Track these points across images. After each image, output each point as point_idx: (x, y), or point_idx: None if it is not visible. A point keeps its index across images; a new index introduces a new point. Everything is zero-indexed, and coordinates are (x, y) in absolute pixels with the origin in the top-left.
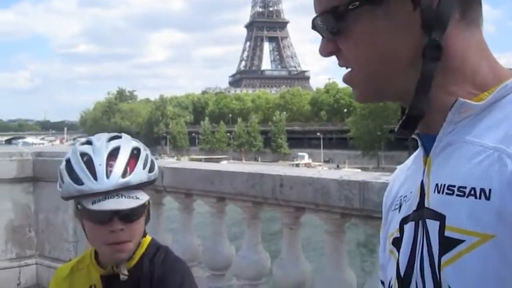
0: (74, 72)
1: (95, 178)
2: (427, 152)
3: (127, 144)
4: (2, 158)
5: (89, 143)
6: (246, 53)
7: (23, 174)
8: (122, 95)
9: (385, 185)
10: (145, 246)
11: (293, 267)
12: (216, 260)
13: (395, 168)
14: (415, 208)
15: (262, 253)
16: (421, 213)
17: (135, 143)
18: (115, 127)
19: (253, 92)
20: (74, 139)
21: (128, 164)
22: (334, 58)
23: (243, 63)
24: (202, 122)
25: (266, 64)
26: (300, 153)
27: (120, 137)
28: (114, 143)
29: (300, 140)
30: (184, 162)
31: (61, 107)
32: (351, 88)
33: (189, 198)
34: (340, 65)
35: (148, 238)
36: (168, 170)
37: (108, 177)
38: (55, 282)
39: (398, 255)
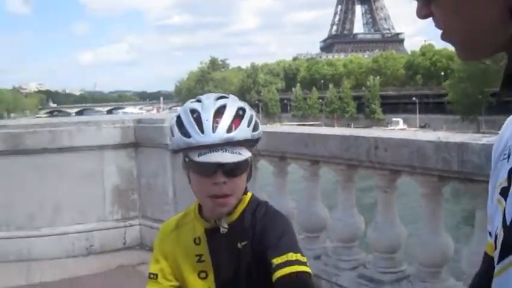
0: (169, 43)
1: (202, 132)
2: None
3: (233, 103)
4: (106, 125)
5: (199, 101)
6: (337, 17)
7: (126, 140)
8: (214, 64)
9: (485, 147)
10: (246, 201)
11: (388, 231)
12: (311, 222)
13: (497, 134)
14: None
15: (356, 216)
16: None
17: (241, 103)
18: None
19: (345, 57)
20: (170, 108)
21: (233, 121)
22: (429, 19)
23: (335, 27)
24: (294, 88)
25: (358, 27)
26: (394, 119)
27: (227, 97)
28: (221, 102)
29: (394, 105)
30: (278, 126)
31: (157, 78)
32: (448, 50)
33: (283, 162)
34: (437, 26)
35: (249, 194)
36: (262, 133)
37: (214, 131)
38: (161, 237)
39: (506, 204)
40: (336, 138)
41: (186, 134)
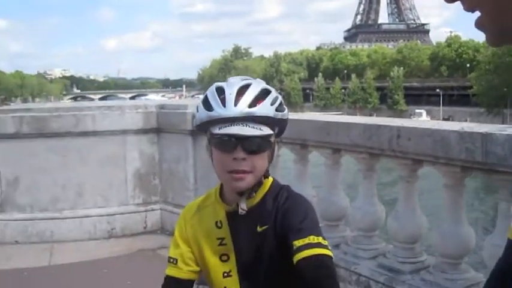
0: (192, 31)
1: (224, 105)
2: None
3: (259, 83)
4: (129, 111)
5: (226, 80)
6: (362, 7)
7: (148, 126)
8: (237, 52)
9: (510, 137)
10: (268, 186)
11: (409, 220)
12: (331, 210)
13: None
14: None
15: (377, 205)
16: None
17: (267, 86)
18: None
19: (369, 47)
20: (192, 96)
21: (256, 97)
22: (456, 10)
23: (359, 17)
24: (316, 78)
25: (383, 17)
26: (417, 110)
27: (253, 79)
28: (246, 81)
29: (418, 97)
30: (300, 114)
31: (180, 65)
32: (474, 41)
33: (305, 149)
34: (465, 9)
35: (270, 179)
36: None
37: (235, 105)
38: (182, 221)
39: None
40: (358, 127)
41: (209, 107)
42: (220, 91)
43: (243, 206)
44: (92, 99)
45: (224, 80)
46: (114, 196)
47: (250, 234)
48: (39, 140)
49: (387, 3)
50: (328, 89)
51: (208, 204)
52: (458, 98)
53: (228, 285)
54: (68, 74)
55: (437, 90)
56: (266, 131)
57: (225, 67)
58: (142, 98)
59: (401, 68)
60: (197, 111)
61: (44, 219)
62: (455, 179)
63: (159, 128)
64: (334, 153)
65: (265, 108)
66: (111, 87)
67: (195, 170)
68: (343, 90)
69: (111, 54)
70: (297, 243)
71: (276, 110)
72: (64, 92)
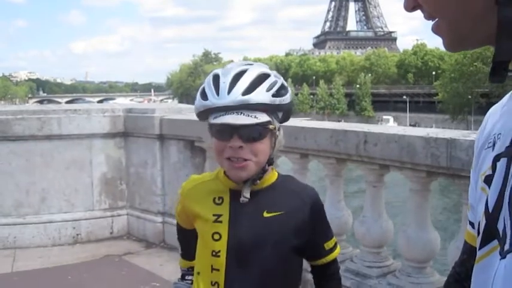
0: (161, 35)
1: (217, 94)
2: None
3: (256, 68)
4: (96, 114)
5: (225, 67)
6: (330, 14)
7: (115, 130)
8: (207, 57)
9: (474, 143)
10: (275, 177)
11: (375, 225)
12: None
13: None
14: (508, 144)
15: (344, 210)
16: None
17: (267, 70)
18: None
19: (338, 54)
20: (161, 100)
21: (251, 84)
22: (422, 19)
23: (328, 24)
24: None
25: (351, 25)
26: (384, 117)
27: (252, 64)
28: (243, 67)
29: (385, 103)
30: None
31: (148, 69)
32: (440, 50)
33: None
34: (426, 18)
35: (276, 173)
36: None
37: (228, 93)
38: (182, 190)
39: (489, 191)
40: (325, 132)
41: (204, 96)
42: (216, 79)
43: (246, 194)
44: (59, 103)
45: (194, 84)
46: (80, 201)
47: (254, 218)
48: (2, 143)
49: (355, 11)
50: (296, 94)
51: (209, 180)
52: (424, 105)
53: (214, 264)
54: (34, 77)
55: (404, 97)
56: (262, 118)
57: (195, 72)
58: (110, 101)
59: (369, 74)
60: (196, 99)
61: (7, 225)
62: (421, 183)
63: (126, 132)
64: (302, 158)
65: (261, 95)
66: (79, 90)
67: (162, 174)
68: (312, 96)
69: (79, 57)
70: (327, 245)
71: (273, 95)
72: (30, 95)
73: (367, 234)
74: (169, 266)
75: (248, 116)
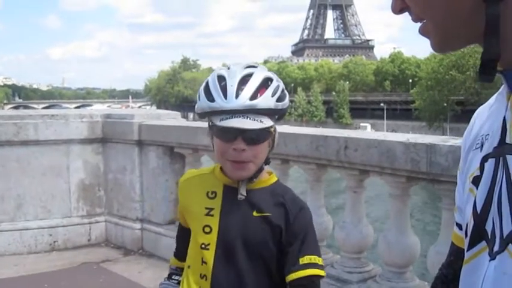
0: (140, 42)
1: (225, 97)
2: (511, 88)
3: (260, 72)
4: (73, 120)
5: (228, 68)
6: (309, 22)
7: (93, 135)
8: (185, 64)
9: (453, 148)
10: (272, 181)
11: (355, 231)
12: None
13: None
14: (495, 145)
15: (324, 215)
16: (502, 149)
17: (270, 74)
18: (178, 95)
19: (316, 62)
20: (139, 107)
21: (257, 89)
22: (399, 27)
23: (306, 31)
24: None
25: (329, 33)
26: (362, 124)
27: (256, 67)
28: (248, 70)
29: (362, 111)
30: None
31: (126, 76)
32: (416, 58)
33: None
34: (413, 20)
35: (275, 177)
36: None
37: (237, 97)
38: (180, 183)
39: (477, 192)
40: (306, 138)
41: (211, 98)
42: (222, 80)
43: (243, 192)
44: (35, 109)
45: (172, 91)
46: (57, 208)
47: (243, 215)
48: None
49: (333, 19)
50: None
51: (205, 173)
52: (401, 113)
53: (203, 257)
54: (9, 83)
55: (381, 104)
56: (267, 122)
57: (173, 78)
58: (88, 108)
59: (347, 82)
60: (198, 98)
61: None
62: (401, 189)
63: (104, 137)
64: (283, 163)
65: (267, 100)
66: (55, 96)
67: (141, 181)
68: (290, 103)
69: (56, 63)
70: (303, 260)
71: (277, 100)
72: (5, 101)
73: (347, 239)
74: (147, 273)
75: (254, 120)
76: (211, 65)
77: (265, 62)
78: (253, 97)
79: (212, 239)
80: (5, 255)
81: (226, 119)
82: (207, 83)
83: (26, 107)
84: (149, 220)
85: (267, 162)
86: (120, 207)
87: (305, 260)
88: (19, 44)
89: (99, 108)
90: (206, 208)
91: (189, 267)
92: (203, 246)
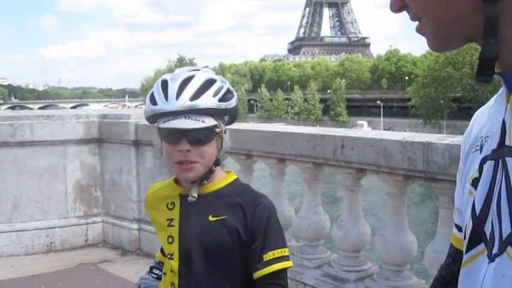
0: (136, 41)
1: (166, 99)
2: (510, 90)
3: (203, 74)
4: (70, 120)
5: (172, 72)
6: (305, 20)
7: (89, 136)
8: (181, 63)
9: (449, 147)
10: (229, 180)
11: (353, 230)
12: None
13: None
14: (495, 147)
15: (322, 214)
16: (501, 151)
17: (213, 75)
18: None
19: (313, 60)
20: (136, 106)
21: (198, 89)
22: (396, 25)
23: (302, 30)
24: (259, 89)
25: (325, 31)
26: (359, 122)
27: (199, 69)
28: (191, 73)
29: (359, 108)
30: (245, 124)
31: (123, 75)
32: (412, 55)
33: (250, 159)
34: (412, 19)
35: (234, 175)
36: (228, 131)
37: (177, 99)
38: (145, 199)
39: (475, 194)
40: (302, 137)
41: (153, 101)
42: (164, 84)
43: (194, 194)
44: (31, 109)
45: None
46: (54, 208)
47: (199, 221)
48: None
49: (330, 17)
50: (271, 100)
51: (165, 186)
52: (397, 110)
53: (171, 266)
54: (5, 83)
55: (378, 102)
56: (209, 122)
57: None
58: (84, 108)
59: (343, 80)
60: (145, 104)
61: None
62: (398, 187)
63: (101, 138)
64: (279, 163)
65: (207, 100)
66: (52, 96)
67: (138, 181)
68: (287, 102)
69: (52, 63)
70: (266, 257)
71: (220, 100)
72: (1, 101)
73: (345, 238)
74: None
75: (196, 120)
76: (207, 63)
77: (262, 60)
78: (194, 97)
79: (175, 248)
80: (1, 256)
81: (168, 120)
82: (152, 89)
83: (22, 107)
84: (146, 220)
85: (216, 163)
86: (117, 207)
87: (268, 256)
88: (15, 44)
89: (95, 108)
90: (167, 219)
91: (165, 274)
92: (169, 256)
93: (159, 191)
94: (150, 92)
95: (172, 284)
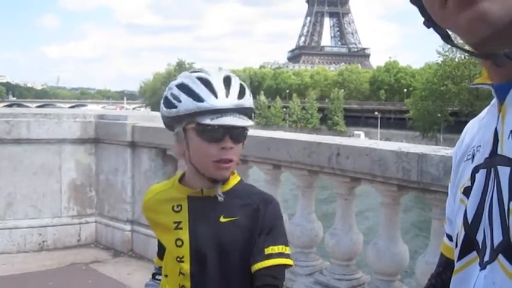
0: (136, 43)
1: (216, 96)
2: (501, 100)
3: (234, 75)
4: (67, 119)
5: (201, 71)
6: (306, 29)
7: (86, 136)
8: (181, 67)
9: (444, 158)
10: (236, 181)
11: (346, 238)
12: None
13: None
14: (487, 156)
15: (315, 222)
16: (493, 160)
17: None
18: None
19: (312, 68)
20: (134, 108)
21: (241, 89)
22: (395, 36)
23: (303, 38)
24: (258, 96)
25: (326, 40)
26: (356, 132)
27: (222, 69)
28: (225, 72)
29: (356, 119)
30: None
31: (122, 77)
32: (411, 68)
33: (245, 165)
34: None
35: (238, 177)
36: None
37: (227, 96)
38: (143, 203)
39: (467, 202)
40: (298, 144)
41: (199, 98)
42: (205, 81)
43: (220, 192)
44: (29, 108)
45: None
46: (47, 207)
47: (211, 222)
48: None
49: (330, 27)
50: (269, 107)
51: (167, 188)
52: (395, 122)
53: (181, 269)
54: (3, 81)
55: (376, 113)
56: (249, 121)
57: (168, 81)
58: (82, 108)
59: (342, 90)
60: (176, 100)
61: None
62: (392, 197)
63: (97, 138)
64: (275, 169)
65: (249, 100)
66: (50, 96)
67: (133, 182)
68: (285, 109)
69: (51, 62)
70: (268, 250)
71: (252, 100)
72: None
73: (337, 246)
74: (137, 275)
75: (241, 118)
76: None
77: (261, 67)
78: (240, 96)
79: (185, 251)
80: None
81: (218, 117)
82: (184, 85)
83: (19, 105)
84: (140, 222)
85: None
86: (111, 208)
87: (269, 250)
88: (15, 42)
89: (93, 109)
90: (174, 222)
91: (166, 276)
92: (178, 259)
93: (160, 193)
94: (181, 88)
95: (182, 286)
